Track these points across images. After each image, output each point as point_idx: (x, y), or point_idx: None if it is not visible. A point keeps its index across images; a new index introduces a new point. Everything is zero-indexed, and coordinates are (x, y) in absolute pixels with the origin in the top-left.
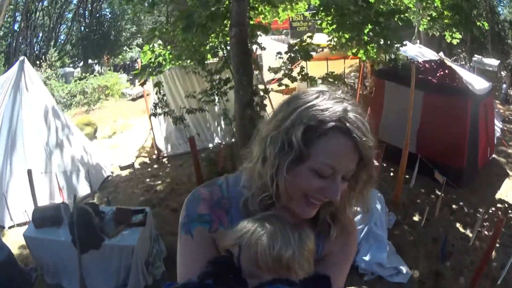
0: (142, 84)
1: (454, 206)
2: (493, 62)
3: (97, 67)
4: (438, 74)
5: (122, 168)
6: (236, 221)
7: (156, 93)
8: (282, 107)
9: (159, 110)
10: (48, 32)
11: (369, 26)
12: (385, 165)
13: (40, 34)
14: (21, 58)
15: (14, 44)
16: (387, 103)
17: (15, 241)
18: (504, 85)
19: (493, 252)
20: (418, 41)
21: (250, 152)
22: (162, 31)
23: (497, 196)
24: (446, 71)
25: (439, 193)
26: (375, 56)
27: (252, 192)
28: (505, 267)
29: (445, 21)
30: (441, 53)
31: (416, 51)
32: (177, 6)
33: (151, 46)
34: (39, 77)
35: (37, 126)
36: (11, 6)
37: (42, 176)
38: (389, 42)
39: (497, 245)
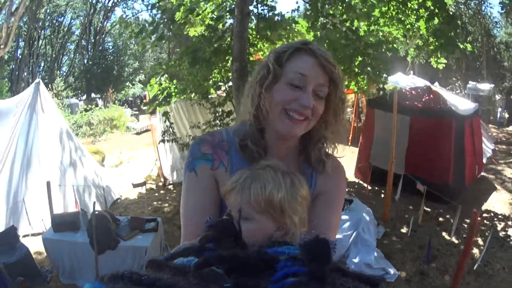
0: (152, 113)
1: (440, 219)
2: (487, 86)
3: (100, 102)
4: (423, 99)
5: (134, 186)
6: (235, 160)
7: (165, 121)
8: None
9: (167, 137)
10: (51, 62)
11: (359, 58)
12: (376, 188)
13: (42, 64)
14: (37, 80)
15: (17, 71)
16: (377, 130)
17: (29, 247)
18: (500, 109)
19: (478, 253)
20: (411, 72)
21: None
22: (168, 65)
23: (484, 207)
24: (431, 95)
25: (430, 211)
26: (365, 87)
27: (245, 129)
28: (484, 247)
29: (430, 47)
30: (436, 83)
31: (408, 82)
32: (180, 41)
33: (157, 79)
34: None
35: (52, 145)
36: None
37: (57, 190)
38: (377, 72)
39: (483, 248)
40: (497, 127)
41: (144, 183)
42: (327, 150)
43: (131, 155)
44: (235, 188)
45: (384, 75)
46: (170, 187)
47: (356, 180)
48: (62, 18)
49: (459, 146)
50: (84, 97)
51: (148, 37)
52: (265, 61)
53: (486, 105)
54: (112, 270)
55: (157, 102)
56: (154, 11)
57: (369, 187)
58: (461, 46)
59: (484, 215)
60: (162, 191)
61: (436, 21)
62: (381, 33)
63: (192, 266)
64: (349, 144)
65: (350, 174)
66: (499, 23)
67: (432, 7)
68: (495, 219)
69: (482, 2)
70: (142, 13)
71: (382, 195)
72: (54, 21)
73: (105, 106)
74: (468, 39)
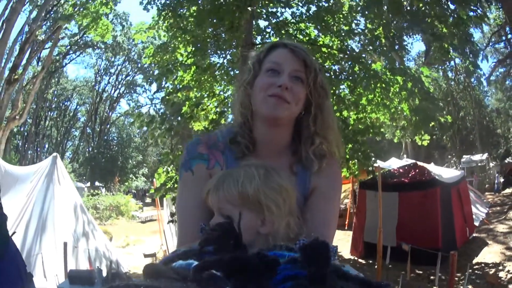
0: (161, 200)
1: (432, 277)
2: (481, 157)
3: (103, 190)
4: (410, 175)
5: (146, 256)
6: (230, 161)
7: (173, 205)
8: None
9: (175, 219)
10: (55, 145)
11: (349, 145)
12: (370, 261)
13: (47, 145)
14: (54, 154)
15: (23, 147)
16: (368, 209)
17: None
18: (497, 175)
19: None
20: (405, 155)
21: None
22: (175, 156)
23: (475, 261)
24: (417, 170)
25: (422, 273)
26: (357, 172)
27: (236, 128)
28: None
29: (412, 127)
30: (432, 164)
31: (401, 165)
32: (183, 137)
33: (164, 169)
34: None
35: (66, 215)
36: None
37: (70, 254)
38: (367, 156)
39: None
40: (494, 193)
41: (154, 254)
42: (320, 149)
43: (137, 239)
44: (211, 189)
45: (373, 158)
46: None
47: (352, 257)
48: (69, 102)
49: (447, 211)
50: (88, 184)
51: (157, 128)
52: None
53: (479, 173)
54: None
55: (165, 188)
56: (159, 106)
57: (363, 261)
58: (442, 120)
59: (475, 266)
60: None
61: (417, 100)
62: (369, 120)
63: (192, 270)
64: (346, 228)
65: (346, 253)
66: (489, 91)
67: (411, 87)
68: (486, 268)
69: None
70: (146, 107)
71: (375, 266)
72: (61, 104)
73: (112, 193)
74: (460, 114)
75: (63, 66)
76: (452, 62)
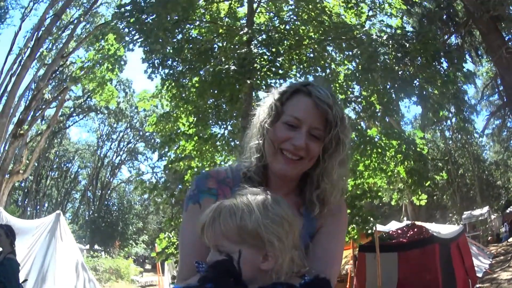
0: (162, 264)
1: None
2: (483, 211)
3: (103, 254)
4: (408, 234)
5: None
6: None
7: (175, 268)
8: None
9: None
10: (55, 205)
11: (348, 211)
12: None
13: (46, 204)
14: (58, 211)
15: (24, 202)
16: (368, 271)
17: None
18: (505, 223)
19: None
20: (405, 218)
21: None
22: (176, 223)
23: None
24: (416, 229)
25: None
26: (356, 237)
27: (250, 162)
28: None
29: (408, 189)
30: (433, 223)
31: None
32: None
33: (166, 235)
34: None
35: (67, 271)
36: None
37: None
38: (365, 220)
39: None
40: (497, 245)
41: None
42: (324, 194)
43: None
44: (206, 223)
45: (372, 222)
46: None
47: None
48: (70, 164)
49: (447, 267)
50: (87, 246)
51: (159, 194)
52: (268, 100)
53: (480, 226)
54: None
55: (166, 253)
56: (160, 174)
57: None
58: (438, 178)
59: None
60: None
61: (411, 162)
62: (366, 185)
63: None
64: None
65: None
66: (487, 145)
67: (405, 150)
68: None
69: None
70: (147, 175)
71: None
72: (62, 165)
73: (112, 256)
74: (460, 171)
75: (66, 128)
76: (449, 121)
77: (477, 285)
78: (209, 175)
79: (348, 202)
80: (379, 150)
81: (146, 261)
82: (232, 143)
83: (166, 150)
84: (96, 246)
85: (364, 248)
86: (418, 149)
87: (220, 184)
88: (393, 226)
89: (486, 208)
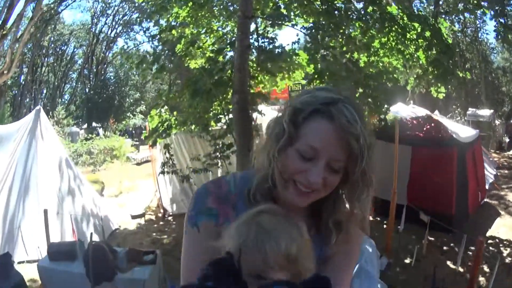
0: (152, 146)
1: (445, 248)
2: (487, 112)
3: (101, 131)
4: (425, 129)
5: (133, 217)
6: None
7: (165, 153)
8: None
9: (167, 169)
10: (53, 90)
11: (360, 90)
12: (378, 219)
13: (44, 91)
14: (38, 107)
15: (20, 97)
16: (378, 160)
17: (25, 274)
18: (505, 135)
19: (484, 281)
20: (411, 101)
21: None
22: (169, 97)
23: (488, 233)
24: (432, 124)
25: (434, 240)
26: (366, 119)
27: (257, 182)
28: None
29: (429, 77)
30: (436, 111)
31: (409, 112)
32: (181, 73)
33: (158, 111)
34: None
35: (50, 173)
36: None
37: (54, 218)
38: (378, 103)
39: (488, 275)
40: (499, 153)
41: (143, 215)
42: (340, 217)
43: (131, 185)
44: (244, 247)
45: (385, 105)
46: (170, 218)
47: None
48: (66, 46)
49: (462, 175)
50: (85, 125)
51: (148, 68)
52: (281, 116)
53: (486, 131)
54: None
55: (157, 133)
56: (156, 43)
57: (371, 217)
58: (461, 75)
59: (489, 241)
60: (161, 222)
61: (434, 51)
62: (381, 64)
63: None
64: None
65: None
66: (496, 49)
67: (430, 37)
68: (501, 245)
69: (479, 29)
70: (144, 44)
71: (384, 225)
72: (58, 49)
73: (105, 135)
74: (466, 66)
75: (58, 13)
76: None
77: (485, 199)
78: (208, 191)
79: (362, 80)
80: (399, 30)
81: (143, 132)
82: (231, 8)
83: (158, 18)
84: (94, 124)
85: (375, 134)
86: (445, 41)
87: (221, 202)
88: (400, 109)
89: (491, 111)
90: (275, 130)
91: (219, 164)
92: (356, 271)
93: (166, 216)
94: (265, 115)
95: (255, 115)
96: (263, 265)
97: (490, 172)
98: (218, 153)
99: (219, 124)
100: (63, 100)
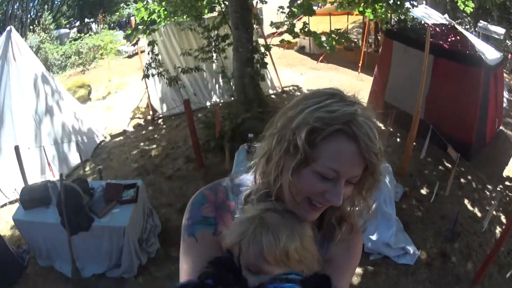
0: (134, 45)
1: (462, 180)
2: (499, 30)
3: (94, 26)
4: (449, 39)
5: (113, 136)
6: None
7: (149, 53)
8: (292, 105)
9: (152, 71)
10: None
11: None
12: (392, 130)
13: None
14: (8, 28)
15: (10, 10)
16: (394, 64)
17: (7, 221)
18: None
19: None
20: (424, 1)
21: (260, 147)
22: None
23: (505, 173)
24: (458, 37)
25: (451, 168)
26: (383, 16)
27: (256, 187)
28: None
29: None
30: (446, 15)
31: (422, 12)
32: None
33: (144, 2)
34: (32, 42)
35: (25, 96)
36: None
37: (31, 151)
38: (399, 2)
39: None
40: (510, 74)
41: (123, 132)
42: (343, 214)
43: (120, 83)
44: (243, 240)
45: (407, 4)
46: (160, 121)
47: None
48: None
49: (485, 99)
50: (78, 23)
51: None
52: (295, 120)
53: (500, 50)
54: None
55: (142, 28)
56: None
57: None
58: None
59: (507, 183)
60: (150, 127)
61: None
62: None
63: None
64: (359, 71)
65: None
66: None
67: None
68: None
69: None
70: None
71: (398, 139)
72: None
73: (98, 31)
74: None
75: None
76: None
77: (501, 127)
78: (204, 199)
79: None
80: None
81: (128, 29)
82: None
83: None
84: (86, 20)
85: (392, 34)
86: None
87: (218, 210)
88: (414, 9)
89: (503, 29)
90: (283, 145)
91: (214, 58)
92: (374, 210)
93: (155, 118)
94: (267, 2)
95: (254, 1)
96: (259, 258)
97: (504, 97)
98: (212, 46)
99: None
100: (55, 3)
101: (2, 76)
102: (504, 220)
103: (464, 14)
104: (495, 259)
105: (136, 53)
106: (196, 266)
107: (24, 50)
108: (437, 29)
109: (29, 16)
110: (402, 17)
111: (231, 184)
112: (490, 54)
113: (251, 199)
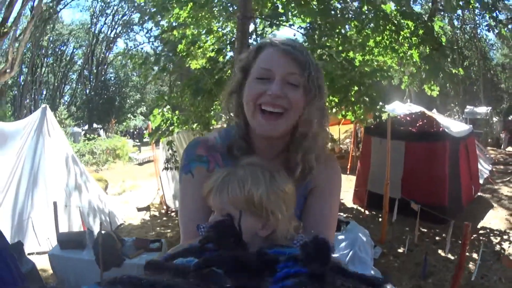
0: (156, 144)
1: (437, 238)
2: (484, 109)
3: (102, 132)
4: (418, 124)
5: (139, 209)
6: (230, 163)
7: (168, 150)
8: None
9: (170, 165)
10: (53, 91)
11: (355, 88)
12: (373, 212)
13: (44, 92)
14: (44, 105)
15: (20, 98)
16: (373, 156)
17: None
18: (503, 132)
19: (473, 267)
20: (408, 100)
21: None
22: (170, 97)
23: (480, 225)
24: (425, 120)
25: (420, 226)
26: (362, 116)
27: (234, 134)
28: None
29: (422, 73)
30: (434, 110)
31: (405, 109)
32: (181, 74)
33: (160, 110)
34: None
35: (58, 168)
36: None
37: (62, 211)
38: (373, 100)
39: (479, 261)
40: (496, 149)
41: (148, 208)
42: (309, 159)
43: (133, 184)
44: (213, 189)
45: (380, 103)
46: (173, 214)
47: (354, 206)
48: (65, 47)
49: (454, 168)
50: (86, 127)
51: (150, 68)
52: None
53: (483, 128)
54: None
55: (160, 132)
56: (156, 44)
57: (367, 212)
58: (454, 71)
59: (481, 231)
60: (164, 218)
61: (427, 49)
62: (375, 63)
63: (192, 267)
64: (348, 172)
65: (348, 200)
66: (495, 45)
67: (422, 35)
68: (491, 234)
69: (478, 25)
70: (144, 45)
71: (380, 219)
72: (57, 50)
73: (107, 136)
74: (465, 63)
75: (57, 12)
76: (460, 11)
77: (479, 193)
78: (198, 142)
79: (357, 78)
80: (393, 28)
81: (145, 131)
82: (231, 8)
83: (159, 19)
84: (94, 125)
85: (371, 131)
86: (439, 39)
87: (210, 150)
88: (397, 107)
89: (489, 109)
90: (233, 82)
91: None
92: (350, 257)
93: (169, 212)
94: None
95: None
96: (224, 203)
97: (485, 168)
98: None
99: (219, 123)
100: (63, 101)
101: (37, 146)
102: (476, 257)
103: (452, 105)
104: (468, 282)
105: (147, 161)
106: (195, 200)
107: (57, 129)
108: (408, 118)
109: (38, 107)
110: (377, 114)
111: (218, 133)
112: (457, 127)
113: (230, 147)
